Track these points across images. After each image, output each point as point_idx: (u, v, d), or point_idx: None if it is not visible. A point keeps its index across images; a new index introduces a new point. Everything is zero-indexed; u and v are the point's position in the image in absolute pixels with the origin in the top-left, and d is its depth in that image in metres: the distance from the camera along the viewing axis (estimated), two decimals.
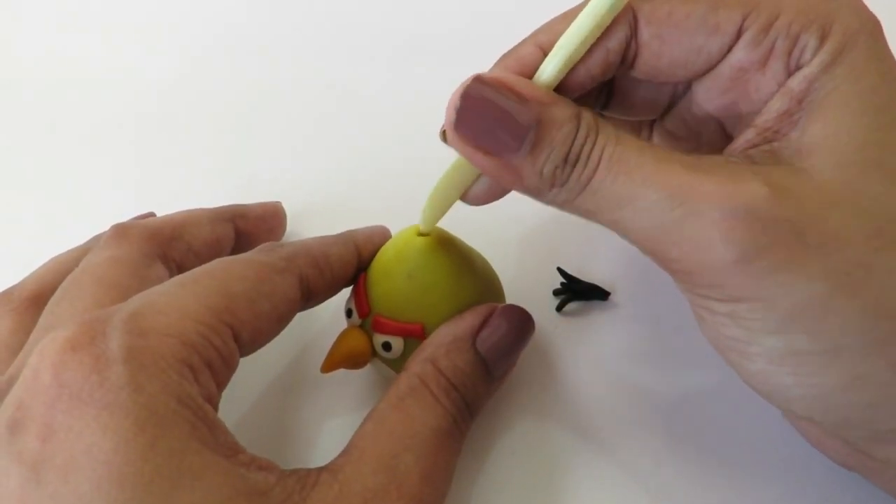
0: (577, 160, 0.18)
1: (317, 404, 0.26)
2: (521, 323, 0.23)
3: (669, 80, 0.21)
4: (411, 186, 0.24)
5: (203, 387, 0.18)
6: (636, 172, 0.17)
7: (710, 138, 0.22)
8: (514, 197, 0.25)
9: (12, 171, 0.35)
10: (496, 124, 0.18)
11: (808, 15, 0.18)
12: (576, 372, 0.26)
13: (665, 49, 0.19)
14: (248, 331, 0.20)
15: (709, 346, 0.20)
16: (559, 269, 0.28)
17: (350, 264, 0.24)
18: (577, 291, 0.27)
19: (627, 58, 0.20)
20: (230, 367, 0.19)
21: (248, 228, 0.28)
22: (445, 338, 0.22)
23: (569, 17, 0.20)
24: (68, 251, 0.26)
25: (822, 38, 0.18)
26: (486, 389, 0.22)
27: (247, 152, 0.34)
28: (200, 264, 0.22)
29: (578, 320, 0.27)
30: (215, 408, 0.18)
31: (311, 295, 0.23)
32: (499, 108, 0.18)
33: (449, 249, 0.24)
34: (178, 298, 0.19)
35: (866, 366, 0.17)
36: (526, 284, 0.28)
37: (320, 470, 0.19)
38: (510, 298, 0.25)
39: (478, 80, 0.18)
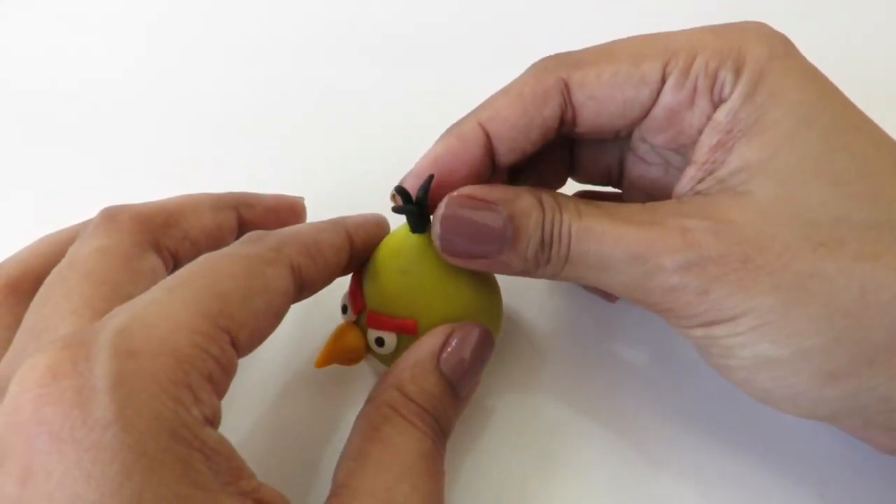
0: (551, 240, 0.21)
1: (311, 399, 0.26)
2: (482, 340, 0.23)
3: (612, 133, 0.23)
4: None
5: (204, 404, 0.16)
6: (603, 240, 0.20)
7: (675, 161, 0.23)
8: None
9: (12, 170, 0.35)
10: (476, 237, 0.21)
11: (722, 52, 0.20)
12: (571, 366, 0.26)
13: (601, 107, 0.21)
14: (245, 332, 0.18)
15: None
16: (398, 189, 0.23)
17: (342, 251, 0.23)
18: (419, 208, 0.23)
19: (566, 121, 0.22)
20: (230, 374, 0.18)
21: (254, 219, 0.26)
22: (408, 362, 0.22)
23: (509, 92, 0.22)
24: (56, 233, 0.24)
25: (737, 71, 0.20)
26: (455, 410, 0.22)
27: (245, 152, 0.35)
28: (198, 255, 0.21)
29: (579, 319, 0.27)
30: (217, 423, 0.17)
31: (305, 285, 0.21)
32: (474, 224, 0.21)
33: None
34: (168, 307, 0.17)
35: (832, 363, 0.18)
36: (523, 281, 0.28)
37: None
38: (505, 294, 0.25)
39: (450, 202, 0.21)
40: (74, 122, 0.37)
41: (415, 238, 0.23)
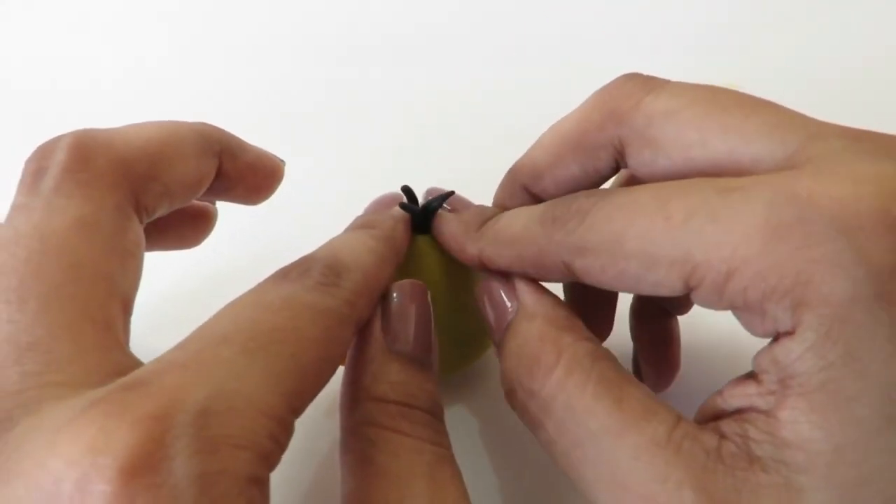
0: (531, 391, 0.17)
1: (315, 404, 0.26)
2: (415, 296, 0.20)
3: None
4: (409, 182, 0.24)
5: (265, 498, 0.14)
6: (587, 455, 0.16)
7: None
8: None
9: (12, 170, 0.35)
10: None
11: (766, 282, 0.14)
12: None
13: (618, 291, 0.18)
14: (306, 407, 0.15)
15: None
16: (404, 189, 0.23)
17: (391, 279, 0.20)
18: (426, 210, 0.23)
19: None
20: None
21: (231, 173, 0.22)
22: (359, 365, 0.19)
23: (513, 244, 0.19)
24: None
25: (796, 312, 0.14)
26: (432, 383, 0.19)
27: None
28: (168, 207, 0.18)
29: None
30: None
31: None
32: (494, 296, 0.20)
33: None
34: (250, 382, 0.14)
35: None
36: None
37: None
38: None
39: (500, 278, 0.20)
40: (74, 122, 0.37)
41: (418, 241, 0.23)
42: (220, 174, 0.21)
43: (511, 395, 0.18)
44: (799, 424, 0.14)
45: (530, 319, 0.18)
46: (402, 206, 0.23)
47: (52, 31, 0.42)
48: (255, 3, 0.42)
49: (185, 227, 0.24)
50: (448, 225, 0.22)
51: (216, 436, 0.13)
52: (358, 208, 0.25)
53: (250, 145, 0.22)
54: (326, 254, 0.18)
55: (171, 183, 0.19)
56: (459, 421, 0.25)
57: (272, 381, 0.14)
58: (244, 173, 0.22)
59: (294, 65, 0.38)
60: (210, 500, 0.12)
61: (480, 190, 0.24)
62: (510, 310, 0.19)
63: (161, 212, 0.19)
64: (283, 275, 0.17)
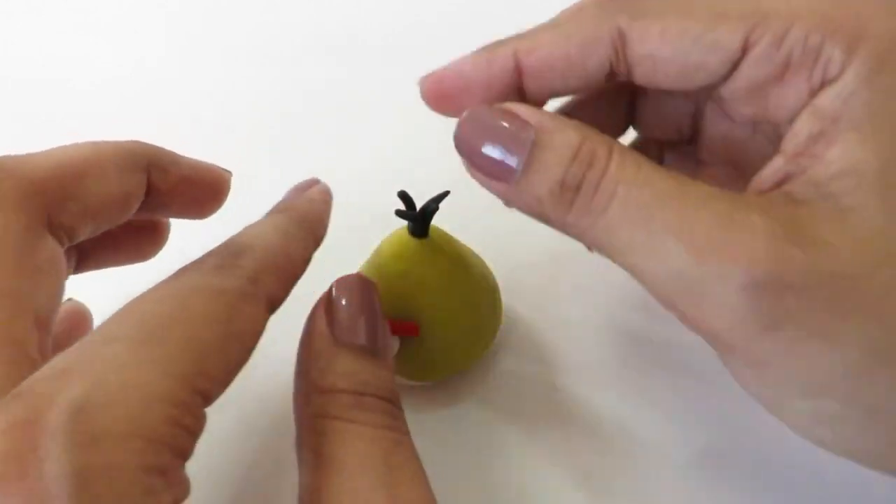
0: (578, 187, 0.17)
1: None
2: (361, 287, 0.20)
3: (673, 89, 0.19)
4: (406, 186, 0.24)
5: (175, 487, 0.14)
6: (658, 220, 0.16)
7: (742, 160, 0.20)
8: None
9: None
10: (497, 149, 0.17)
11: (829, 24, 0.16)
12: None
13: (660, 69, 0.18)
14: (219, 387, 0.15)
15: None
16: (400, 194, 0.23)
17: (309, 260, 0.20)
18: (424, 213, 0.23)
19: (618, 73, 0.18)
20: (198, 436, 0.15)
21: (165, 186, 0.21)
22: (307, 359, 0.19)
23: (557, 28, 0.19)
24: None
25: (851, 48, 0.15)
26: (385, 369, 0.19)
27: (245, 152, 0.34)
28: (94, 227, 0.18)
29: (580, 320, 0.27)
30: (187, 494, 0.14)
31: (274, 310, 0.18)
32: (497, 132, 0.17)
33: (444, 248, 0.24)
34: (138, 371, 0.14)
35: None
36: (522, 282, 0.28)
37: None
38: (505, 295, 0.25)
39: (479, 107, 0.18)
40: (74, 122, 0.37)
41: (416, 242, 0.23)
42: (151, 190, 0.21)
43: (550, 201, 0.17)
44: (848, 153, 0.15)
45: (563, 129, 0.17)
46: (399, 213, 0.22)
47: (51, 31, 0.42)
48: (256, 3, 0.42)
49: (139, 240, 0.24)
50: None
51: (96, 430, 0.13)
52: (358, 209, 0.25)
53: (186, 158, 0.22)
54: (227, 241, 0.18)
55: (91, 201, 0.19)
56: (459, 421, 0.25)
57: (162, 367, 0.14)
58: (178, 187, 0.21)
59: (294, 65, 0.38)
60: (92, 495, 0.12)
61: (482, 191, 0.23)
62: (534, 123, 0.17)
63: (88, 230, 0.19)
64: (181, 269, 0.17)
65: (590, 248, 0.19)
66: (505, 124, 0.17)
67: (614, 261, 0.17)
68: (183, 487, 0.14)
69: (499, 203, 0.22)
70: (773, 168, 0.17)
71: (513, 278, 0.27)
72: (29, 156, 0.19)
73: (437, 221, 0.23)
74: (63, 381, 0.13)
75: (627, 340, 0.27)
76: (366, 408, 0.18)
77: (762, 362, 0.16)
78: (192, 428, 0.14)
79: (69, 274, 0.21)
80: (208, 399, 0.15)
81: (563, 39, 0.18)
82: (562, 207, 0.17)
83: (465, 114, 0.18)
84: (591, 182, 0.17)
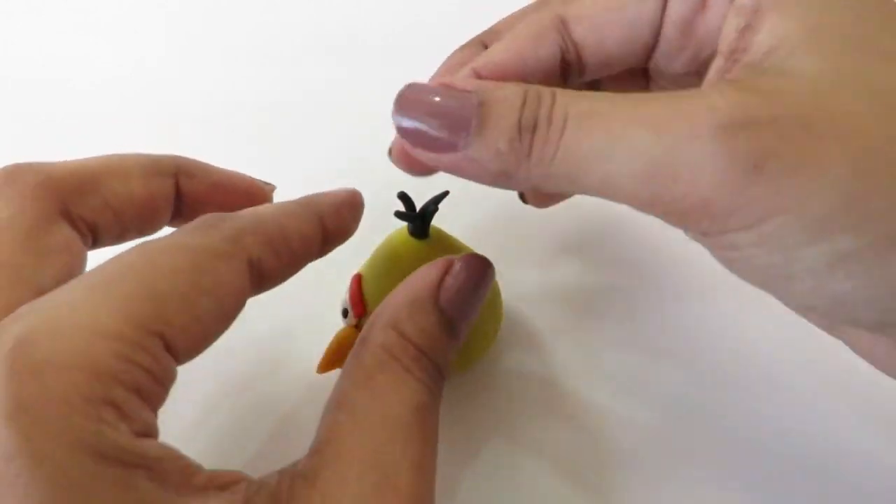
0: (534, 125, 0.17)
1: (313, 405, 0.26)
2: (482, 270, 0.20)
3: (624, 66, 0.20)
4: (406, 186, 0.24)
5: (133, 420, 0.14)
6: (613, 120, 0.16)
7: None
8: (512, 196, 0.25)
9: None
10: (436, 119, 0.17)
11: None
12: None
13: (604, 38, 0.19)
14: (185, 337, 0.16)
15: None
16: (400, 195, 0.24)
17: (313, 239, 0.20)
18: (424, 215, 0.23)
19: (570, 61, 0.20)
20: (166, 385, 0.16)
21: (197, 193, 0.22)
22: (405, 298, 0.19)
23: (510, 33, 0.20)
24: None
25: None
26: (453, 351, 0.20)
27: (246, 152, 0.34)
28: (121, 227, 0.18)
29: (580, 319, 0.27)
30: (155, 435, 0.15)
31: (265, 279, 0.18)
32: (434, 105, 0.18)
33: (444, 248, 0.24)
34: (86, 310, 0.14)
35: None
36: (522, 283, 0.28)
37: (293, 477, 0.16)
38: (505, 295, 0.25)
39: (413, 84, 0.18)
40: (74, 122, 0.37)
41: (416, 242, 0.23)
42: (187, 195, 0.22)
43: (510, 149, 0.17)
44: (774, 30, 0.16)
45: (503, 85, 0.18)
46: (398, 214, 0.22)
47: (51, 31, 0.42)
48: (256, 3, 0.42)
49: None
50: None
51: (37, 360, 0.13)
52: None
53: (219, 168, 0.23)
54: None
55: (111, 198, 0.20)
56: (459, 421, 0.25)
57: (114, 304, 0.15)
58: (211, 195, 0.22)
59: (294, 65, 0.38)
60: (32, 419, 0.13)
61: (481, 190, 0.23)
62: (472, 88, 0.18)
63: (115, 230, 0.20)
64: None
65: (558, 195, 0.21)
66: (446, 96, 0.18)
67: (584, 189, 0.17)
68: (144, 424, 0.14)
69: (498, 203, 0.22)
70: (716, 68, 0.18)
71: (513, 278, 0.27)
72: (53, 162, 0.20)
73: (437, 221, 0.23)
74: (16, 319, 0.14)
75: (628, 341, 0.27)
76: (423, 368, 0.18)
77: (759, 217, 0.15)
78: (150, 368, 0.15)
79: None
80: (174, 347, 0.15)
81: (513, 43, 0.20)
82: (523, 151, 0.17)
83: (400, 91, 0.18)
84: (544, 116, 0.17)
